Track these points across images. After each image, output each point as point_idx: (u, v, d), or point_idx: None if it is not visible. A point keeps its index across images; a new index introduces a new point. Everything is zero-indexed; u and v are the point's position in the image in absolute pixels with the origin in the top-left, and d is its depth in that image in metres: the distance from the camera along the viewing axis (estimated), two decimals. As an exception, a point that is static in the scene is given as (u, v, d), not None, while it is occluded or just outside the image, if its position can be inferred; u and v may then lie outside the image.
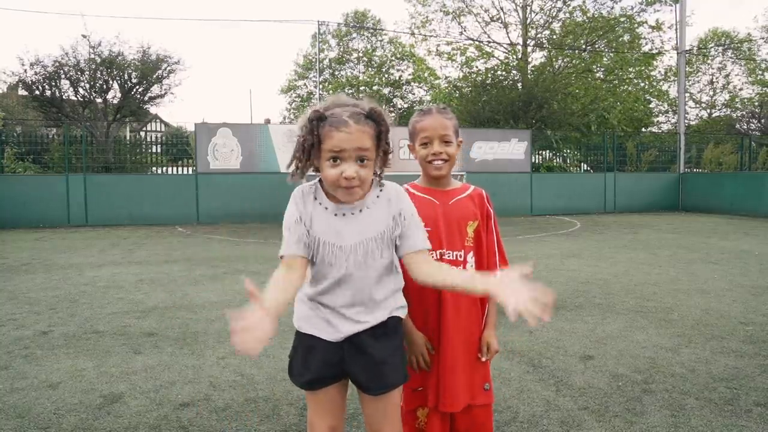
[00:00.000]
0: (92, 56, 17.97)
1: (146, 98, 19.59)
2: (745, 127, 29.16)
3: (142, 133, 24.13)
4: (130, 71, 18.63)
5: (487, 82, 24.35)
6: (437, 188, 1.96)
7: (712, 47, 34.18)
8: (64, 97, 18.28)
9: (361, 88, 31.88)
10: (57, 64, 17.63)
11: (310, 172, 1.57)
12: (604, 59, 25.34)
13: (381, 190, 1.63)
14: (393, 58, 33.44)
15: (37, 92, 17.89)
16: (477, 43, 26.04)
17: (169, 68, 19.24)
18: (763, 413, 2.82)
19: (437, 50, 27.25)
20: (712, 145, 23.04)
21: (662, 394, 3.09)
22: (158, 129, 35.85)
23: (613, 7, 24.98)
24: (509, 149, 17.64)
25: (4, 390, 3.20)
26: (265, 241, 10.89)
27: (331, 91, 29.71)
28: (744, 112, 30.99)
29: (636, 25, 24.97)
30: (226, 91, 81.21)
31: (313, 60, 31.94)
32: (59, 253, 9.07)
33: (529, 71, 24.92)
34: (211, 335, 4.30)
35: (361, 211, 1.59)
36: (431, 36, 26.89)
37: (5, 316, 4.90)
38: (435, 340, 1.90)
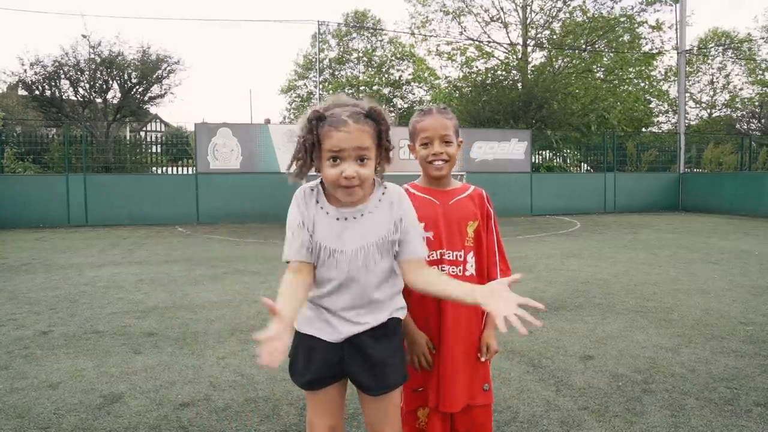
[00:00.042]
0: (92, 56, 17.96)
1: (146, 98, 19.59)
2: (745, 127, 29.16)
3: (142, 133, 24.13)
4: (130, 71, 18.62)
5: (487, 82, 24.34)
6: (437, 188, 1.96)
7: (712, 47, 34.19)
8: (64, 97, 18.27)
9: (361, 88, 31.88)
10: (57, 64, 17.63)
11: (311, 173, 1.57)
12: (604, 59, 25.33)
13: (383, 193, 1.62)
14: (393, 58, 33.45)
15: (37, 92, 17.89)
16: (477, 43, 26.05)
17: (169, 68, 19.25)
18: (763, 413, 2.82)
19: (437, 50, 27.27)
20: (712, 145, 23.02)
21: (662, 394, 3.09)
22: (158, 129, 35.84)
23: (613, 7, 25.03)
24: (509, 149, 17.63)
25: (4, 390, 3.20)
26: (265, 241, 10.89)
27: (331, 91, 29.70)
28: (744, 112, 30.99)
29: (636, 25, 24.97)
30: (226, 91, 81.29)
31: (313, 60, 31.96)
32: (59, 253, 9.07)
33: (529, 71, 24.91)
34: (211, 335, 4.30)
35: (362, 215, 1.59)
36: (431, 36, 26.91)
37: (5, 316, 4.90)
38: (435, 340, 1.91)
